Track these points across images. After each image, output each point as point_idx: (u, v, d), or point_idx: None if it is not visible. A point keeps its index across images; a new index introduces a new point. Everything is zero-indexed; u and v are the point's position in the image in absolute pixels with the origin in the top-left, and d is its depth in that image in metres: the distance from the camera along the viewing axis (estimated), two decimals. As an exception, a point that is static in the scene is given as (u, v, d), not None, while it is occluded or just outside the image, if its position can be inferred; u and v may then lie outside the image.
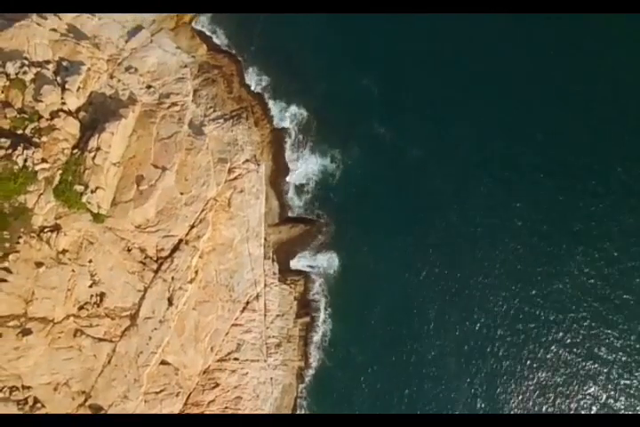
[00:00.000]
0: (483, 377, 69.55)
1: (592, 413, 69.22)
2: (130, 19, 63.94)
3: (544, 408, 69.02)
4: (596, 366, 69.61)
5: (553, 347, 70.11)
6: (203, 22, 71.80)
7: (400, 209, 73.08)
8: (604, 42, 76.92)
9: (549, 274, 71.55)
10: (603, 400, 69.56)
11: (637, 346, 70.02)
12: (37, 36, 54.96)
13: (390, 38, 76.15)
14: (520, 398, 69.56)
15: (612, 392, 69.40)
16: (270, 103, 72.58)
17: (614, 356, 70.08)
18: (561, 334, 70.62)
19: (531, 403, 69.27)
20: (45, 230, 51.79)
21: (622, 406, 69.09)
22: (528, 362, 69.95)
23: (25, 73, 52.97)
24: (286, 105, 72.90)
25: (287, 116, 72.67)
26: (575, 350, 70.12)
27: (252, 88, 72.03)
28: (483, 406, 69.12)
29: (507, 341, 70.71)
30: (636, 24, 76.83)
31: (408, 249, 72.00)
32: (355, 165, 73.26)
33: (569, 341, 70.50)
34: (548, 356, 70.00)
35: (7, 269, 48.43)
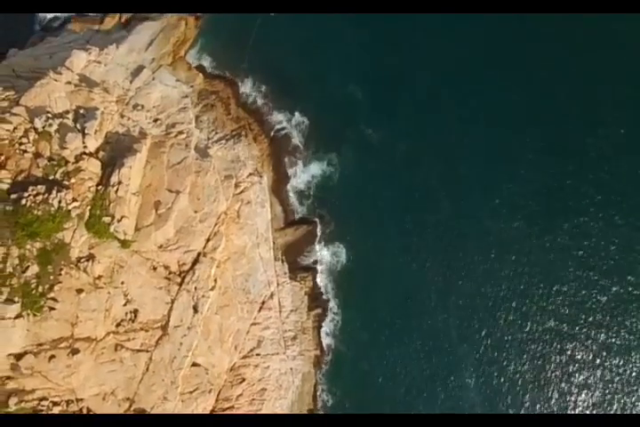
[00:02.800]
0: (486, 355, 75.59)
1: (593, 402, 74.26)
2: (131, 60, 69.73)
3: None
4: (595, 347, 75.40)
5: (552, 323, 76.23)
6: (195, 53, 78.22)
7: (396, 202, 78.94)
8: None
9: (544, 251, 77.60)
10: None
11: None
12: (56, 90, 60.18)
13: (370, 45, 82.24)
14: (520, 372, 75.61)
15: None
16: (266, 118, 78.65)
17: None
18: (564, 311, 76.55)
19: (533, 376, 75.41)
20: (82, 260, 56.51)
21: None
22: (523, 336, 76.14)
23: (50, 125, 58.08)
24: (280, 118, 78.92)
25: (282, 128, 78.62)
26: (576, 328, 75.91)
27: (248, 107, 78.19)
28: (488, 385, 75.09)
29: (504, 320, 76.53)
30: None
31: (407, 239, 77.89)
32: (350, 166, 79.15)
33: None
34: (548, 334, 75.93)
35: (54, 299, 53.61)
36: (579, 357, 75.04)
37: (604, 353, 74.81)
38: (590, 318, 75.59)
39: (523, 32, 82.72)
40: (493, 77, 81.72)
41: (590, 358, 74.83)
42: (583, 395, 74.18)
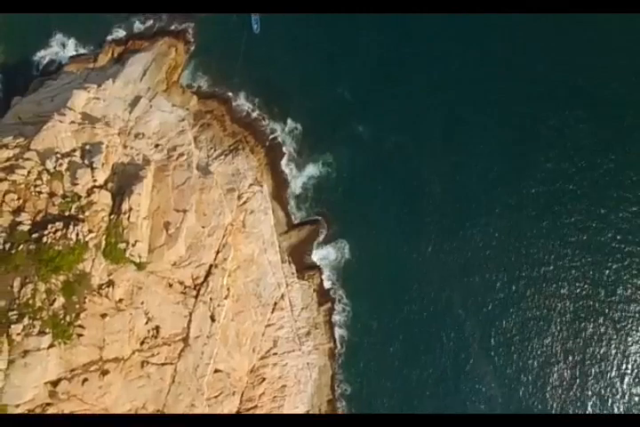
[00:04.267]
0: (491, 328, 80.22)
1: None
2: (128, 92, 73.09)
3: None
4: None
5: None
6: (188, 76, 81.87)
7: (392, 194, 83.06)
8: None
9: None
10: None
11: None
12: (62, 131, 63.62)
13: (353, 47, 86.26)
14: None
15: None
16: (260, 129, 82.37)
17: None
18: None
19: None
20: (102, 287, 59.92)
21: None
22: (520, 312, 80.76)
23: (60, 165, 61.10)
24: (274, 127, 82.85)
25: (277, 136, 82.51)
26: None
27: (242, 121, 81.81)
28: (495, 356, 79.83)
29: (506, 295, 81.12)
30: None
31: (406, 229, 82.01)
32: (344, 164, 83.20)
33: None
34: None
35: (81, 326, 57.15)
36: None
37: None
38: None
39: (502, 27, 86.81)
40: (473, 70, 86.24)
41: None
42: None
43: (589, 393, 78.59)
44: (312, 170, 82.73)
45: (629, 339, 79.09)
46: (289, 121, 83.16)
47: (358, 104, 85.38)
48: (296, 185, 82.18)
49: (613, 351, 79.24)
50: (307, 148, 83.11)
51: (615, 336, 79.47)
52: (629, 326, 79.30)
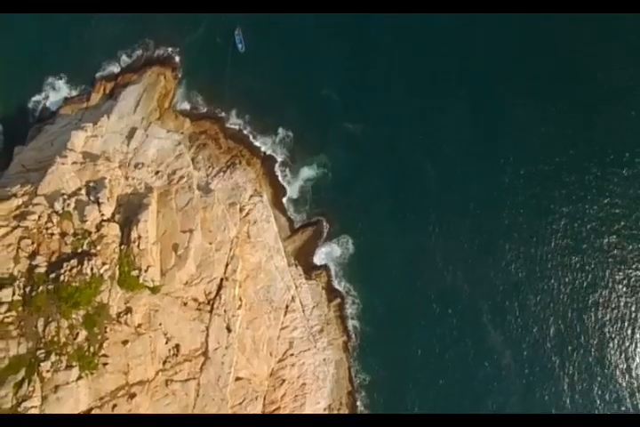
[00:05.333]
0: (499, 303, 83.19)
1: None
2: (124, 125, 75.60)
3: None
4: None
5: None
6: (179, 101, 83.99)
7: (387, 185, 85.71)
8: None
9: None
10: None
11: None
12: (65, 173, 65.65)
13: (333, 49, 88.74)
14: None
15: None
16: (253, 142, 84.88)
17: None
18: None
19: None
20: (121, 315, 62.41)
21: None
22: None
23: (68, 205, 63.59)
24: (266, 138, 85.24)
25: (270, 146, 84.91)
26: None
27: (236, 136, 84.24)
28: (505, 326, 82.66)
29: (509, 269, 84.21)
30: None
31: (405, 218, 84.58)
32: (338, 162, 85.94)
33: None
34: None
35: (105, 355, 59.89)
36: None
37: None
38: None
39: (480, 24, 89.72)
40: (453, 62, 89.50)
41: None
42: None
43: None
44: (308, 173, 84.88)
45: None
46: (280, 130, 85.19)
47: (345, 103, 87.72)
48: (294, 190, 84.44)
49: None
50: (300, 152, 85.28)
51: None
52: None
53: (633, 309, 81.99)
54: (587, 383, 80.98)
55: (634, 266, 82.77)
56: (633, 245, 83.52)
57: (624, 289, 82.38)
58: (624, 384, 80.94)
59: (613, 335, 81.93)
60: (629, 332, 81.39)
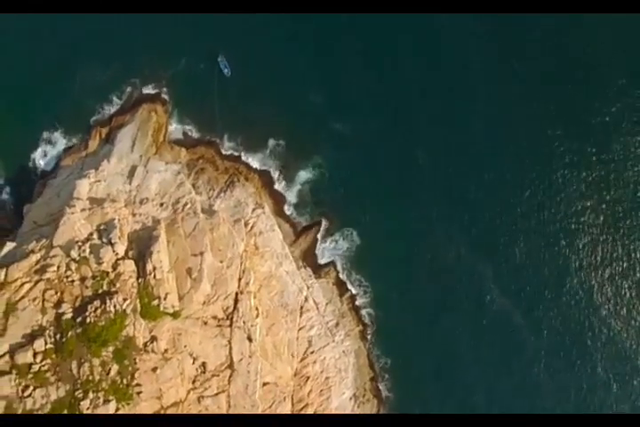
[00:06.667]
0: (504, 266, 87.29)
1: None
2: (124, 166, 78.34)
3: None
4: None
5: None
6: (172, 133, 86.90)
7: (383, 175, 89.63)
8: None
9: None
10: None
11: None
12: (76, 221, 68.10)
13: (313, 54, 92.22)
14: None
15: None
16: (248, 158, 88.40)
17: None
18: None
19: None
20: (147, 344, 65.00)
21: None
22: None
23: (83, 251, 65.93)
24: (260, 151, 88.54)
25: (264, 158, 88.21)
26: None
27: (231, 155, 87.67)
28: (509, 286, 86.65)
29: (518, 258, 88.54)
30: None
31: (404, 204, 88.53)
32: (332, 161, 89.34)
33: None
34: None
35: (138, 384, 63.48)
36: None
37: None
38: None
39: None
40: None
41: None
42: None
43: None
44: (304, 176, 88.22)
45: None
46: (271, 141, 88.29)
47: (330, 106, 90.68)
48: (293, 194, 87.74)
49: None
50: (294, 158, 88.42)
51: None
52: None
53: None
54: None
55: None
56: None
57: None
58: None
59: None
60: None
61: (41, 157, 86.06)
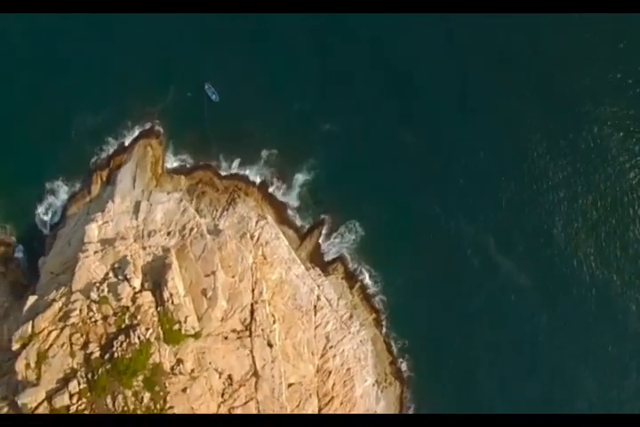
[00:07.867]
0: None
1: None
2: (128, 203, 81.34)
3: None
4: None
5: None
6: (169, 163, 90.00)
7: (378, 167, 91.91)
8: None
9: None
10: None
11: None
12: (91, 264, 71.06)
13: (296, 61, 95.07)
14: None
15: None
16: (245, 173, 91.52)
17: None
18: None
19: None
20: (174, 367, 67.48)
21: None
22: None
23: (102, 291, 68.76)
24: (255, 163, 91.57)
25: (260, 169, 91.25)
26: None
27: (229, 174, 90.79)
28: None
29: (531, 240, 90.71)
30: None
31: (403, 193, 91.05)
32: (327, 161, 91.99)
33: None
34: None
35: (171, 407, 66.68)
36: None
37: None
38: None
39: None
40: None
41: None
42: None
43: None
44: (301, 179, 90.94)
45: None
46: (264, 151, 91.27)
47: (319, 108, 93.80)
48: (293, 199, 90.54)
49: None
50: (289, 164, 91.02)
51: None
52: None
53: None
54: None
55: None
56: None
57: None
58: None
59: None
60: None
61: (47, 211, 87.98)
